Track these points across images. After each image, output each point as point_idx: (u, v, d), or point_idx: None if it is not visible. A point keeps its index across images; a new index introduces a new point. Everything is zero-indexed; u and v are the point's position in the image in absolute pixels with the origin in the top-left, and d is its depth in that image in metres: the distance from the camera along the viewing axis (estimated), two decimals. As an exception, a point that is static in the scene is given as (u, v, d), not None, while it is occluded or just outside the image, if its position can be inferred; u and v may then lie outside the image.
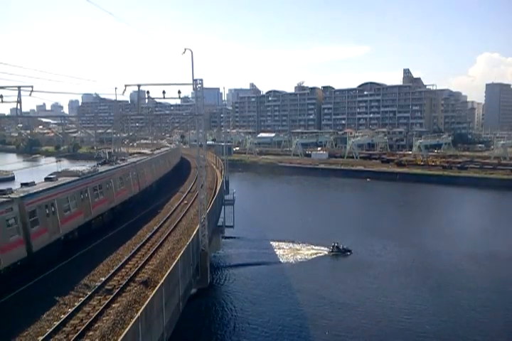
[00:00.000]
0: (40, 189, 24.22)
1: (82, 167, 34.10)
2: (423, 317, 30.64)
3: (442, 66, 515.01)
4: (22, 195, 22.38)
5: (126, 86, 27.37)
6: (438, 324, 29.63)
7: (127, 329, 13.46)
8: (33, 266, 21.35)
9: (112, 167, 36.38)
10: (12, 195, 21.83)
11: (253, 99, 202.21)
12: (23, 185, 24.56)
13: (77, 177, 29.00)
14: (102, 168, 34.52)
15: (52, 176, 27.99)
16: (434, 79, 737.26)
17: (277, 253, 45.30)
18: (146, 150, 58.51)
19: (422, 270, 40.62)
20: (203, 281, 27.21)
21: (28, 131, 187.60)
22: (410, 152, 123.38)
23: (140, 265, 22.22)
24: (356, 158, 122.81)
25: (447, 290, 35.58)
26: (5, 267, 19.42)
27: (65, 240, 25.67)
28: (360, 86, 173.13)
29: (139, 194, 40.47)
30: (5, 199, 20.84)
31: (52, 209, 24.39)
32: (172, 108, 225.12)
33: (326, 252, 45.22)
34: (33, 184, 25.25)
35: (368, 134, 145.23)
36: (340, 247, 45.35)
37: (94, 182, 30.76)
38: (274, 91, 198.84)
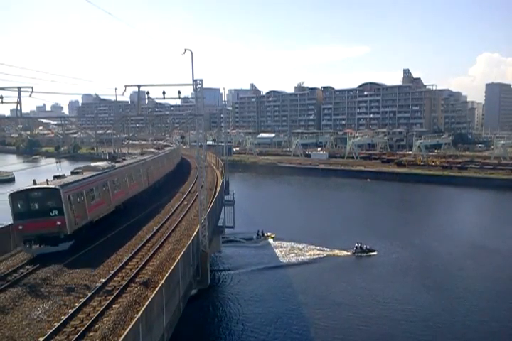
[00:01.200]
0: (146, 157, 46.82)
1: (152, 149, 61.28)
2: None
3: (442, 66, 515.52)
4: (145, 158, 45.46)
5: (126, 86, 27.34)
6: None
7: (128, 329, 13.44)
8: (149, 192, 43.22)
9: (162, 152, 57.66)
10: (140, 158, 44.91)
11: (253, 100, 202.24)
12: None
13: (156, 155, 51.25)
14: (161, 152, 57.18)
15: (145, 153, 53.84)
16: (434, 79, 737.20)
17: (280, 253, 45.10)
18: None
19: (451, 271, 40.24)
20: (203, 282, 27.16)
21: (28, 132, 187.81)
22: (410, 152, 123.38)
23: (140, 266, 22.21)
24: (356, 158, 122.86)
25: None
26: (144, 189, 41.74)
27: (155, 186, 46.98)
28: (360, 86, 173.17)
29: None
30: (141, 160, 43.07)
31: (154, 167, 47.16)
32: (172, 108, 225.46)
33: (349, 253, 44.26)
34: (139, 154, 51.85)
35: (368, 134, 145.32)
36: (364, 247, 44.37)
37: (161, 158, 52.85)
38: (274, 92, 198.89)
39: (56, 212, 24.33)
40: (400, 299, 33.92)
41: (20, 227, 23.99)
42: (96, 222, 29.21)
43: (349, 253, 44.23)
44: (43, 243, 23.96)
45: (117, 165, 36.41)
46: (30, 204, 24.38)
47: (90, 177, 29.22)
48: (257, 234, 50.42)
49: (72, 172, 29.33)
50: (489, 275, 39.21)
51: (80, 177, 28.39)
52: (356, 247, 44.42)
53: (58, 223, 24.29)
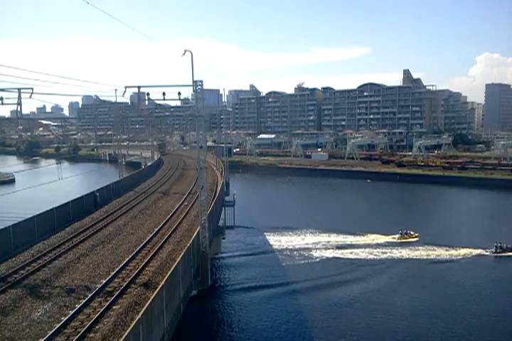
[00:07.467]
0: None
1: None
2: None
3: (442, 66, 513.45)
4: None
5: (126, 88, 27.45)
6: None
7: (128, 331, 13.42)
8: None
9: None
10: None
11: (253, 101, 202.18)
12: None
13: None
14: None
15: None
16: (434, 79, 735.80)
17: (280, 255, 44.94)
18: None
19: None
20: (203, 283, 27.10)
21: (29, 133, 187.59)
22: (410, 153, 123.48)
23: (141, 267, 22.21)
24: (356, 158, 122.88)
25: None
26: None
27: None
28: (360, 87, 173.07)
29: None
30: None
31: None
32: (172, 109, 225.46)
33: (487, 253, 42.14)
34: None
35: (368, 135, 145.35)
36: (505, 246, 42.44)
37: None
38: (274, 93, 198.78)
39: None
40: None
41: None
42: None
43: (488, 253, 42.57)
44: None
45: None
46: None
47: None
48: (400, 234, 49.28)
49: (159, 144, 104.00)
50: None
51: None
52: (496, 247, 42.61)
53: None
